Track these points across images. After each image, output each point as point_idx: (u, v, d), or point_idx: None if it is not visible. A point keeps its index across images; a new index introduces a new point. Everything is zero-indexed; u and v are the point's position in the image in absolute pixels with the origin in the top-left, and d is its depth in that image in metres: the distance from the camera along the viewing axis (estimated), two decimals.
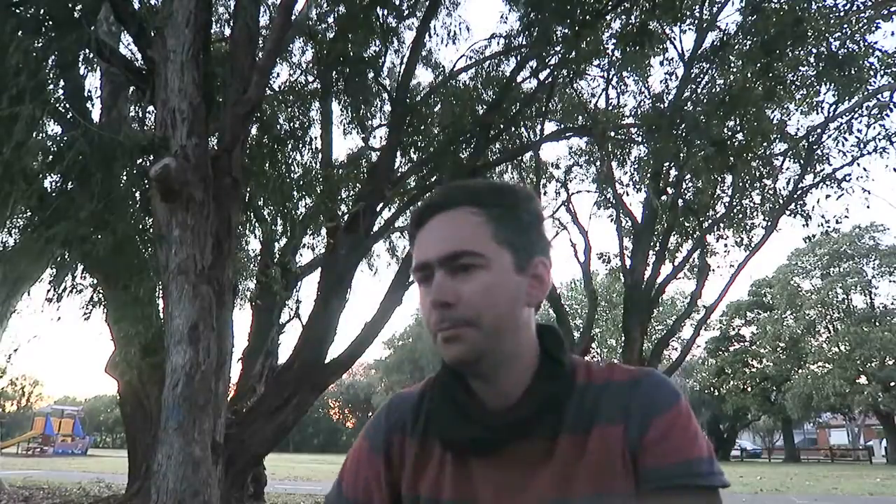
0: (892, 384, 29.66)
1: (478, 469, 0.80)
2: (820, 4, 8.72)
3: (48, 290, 6.44)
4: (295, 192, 8.10)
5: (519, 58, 9.48)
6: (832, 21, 8.87)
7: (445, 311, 0.76)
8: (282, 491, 10.55)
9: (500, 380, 0.80)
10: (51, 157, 5.43)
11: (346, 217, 8.15)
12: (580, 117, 11.03)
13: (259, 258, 9.45)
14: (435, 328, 0.78)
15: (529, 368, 0.81)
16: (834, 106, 10.15)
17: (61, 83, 6.13)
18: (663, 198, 10.79)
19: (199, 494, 4.17)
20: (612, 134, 10.70)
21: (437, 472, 0.82)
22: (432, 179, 9.25)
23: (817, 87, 9.75)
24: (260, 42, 6.45)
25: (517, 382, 0.80)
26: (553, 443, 0.78)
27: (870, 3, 9.09)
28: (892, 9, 8.88)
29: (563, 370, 0.81)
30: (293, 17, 7.22)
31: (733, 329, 40.10)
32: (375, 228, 8.57)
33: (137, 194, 6.23)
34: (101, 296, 6.97)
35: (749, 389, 36.72)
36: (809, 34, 8.55)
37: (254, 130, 7.40)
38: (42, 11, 5.24)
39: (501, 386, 0.80)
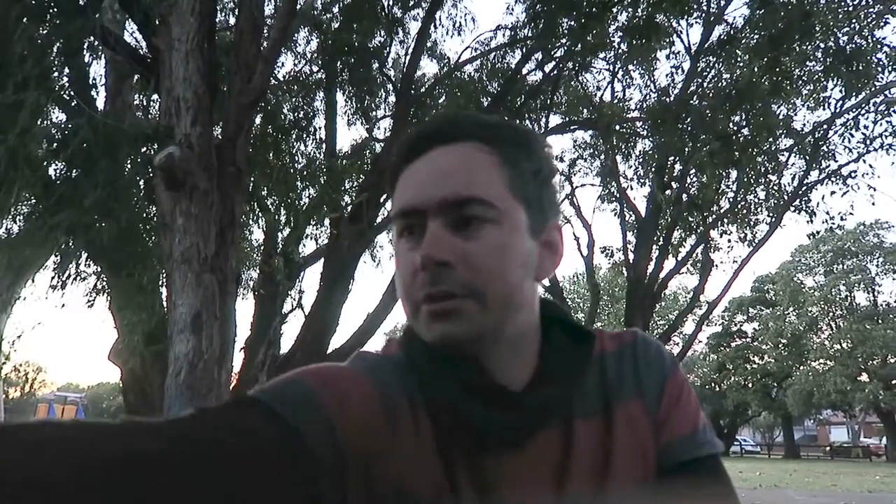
0: (894, 382, 29.67)
1: (492, 463, 0.62)
2: None
3: (52, 278, 6.48)
4: (298, 183, 8.10)
5: (524, 50, 9.44)
6: (840, 16, 8.81)
7: (440, 273, 0.58)
8: None
9: (495, 365, 0.64)
10: (55, 144, 5.44)
11: (349, 208, 8.16)
12: (585, 110, 11.00)
13: (262, 248, 9.46)
14: (419, 293, 0.60)
15: (533, 350, 0.67)
16: (841, 102, 10.11)
17: (66, 71, 6.13)
18: (667, 192, 10.77)
19: None
20: (617, 127, 10.67)
21: (443, 461, 0.62)
22: None
23: (824, 83, 9.69)
24: (265, 31, 6.44)
25: (520, 369, 0.65)
26: (568, 430, 0.65)
27: None
28: None
29: (589, 346, 0.69)
30: (298, 7, 7.20)
31: (735, 325, 40.12)
32: (379, 219, 8.57)
33: (141, 182, 6.24)
34: (104, 283, 6.99)
35: (750, 385, 36.76)
36: (817, 29, 8.49)
37: (258, 120, 7.39)
38: None
39: (498, 374, 0.64)
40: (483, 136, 0.63)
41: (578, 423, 0.65)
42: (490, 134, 0.63)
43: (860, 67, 8.76)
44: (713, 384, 38.85)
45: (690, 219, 11.31)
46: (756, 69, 8.90)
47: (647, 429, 0.66)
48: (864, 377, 30.70)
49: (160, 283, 6.39)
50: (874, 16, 9.13)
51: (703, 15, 10.12)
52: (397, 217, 0.64)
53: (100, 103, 7.12)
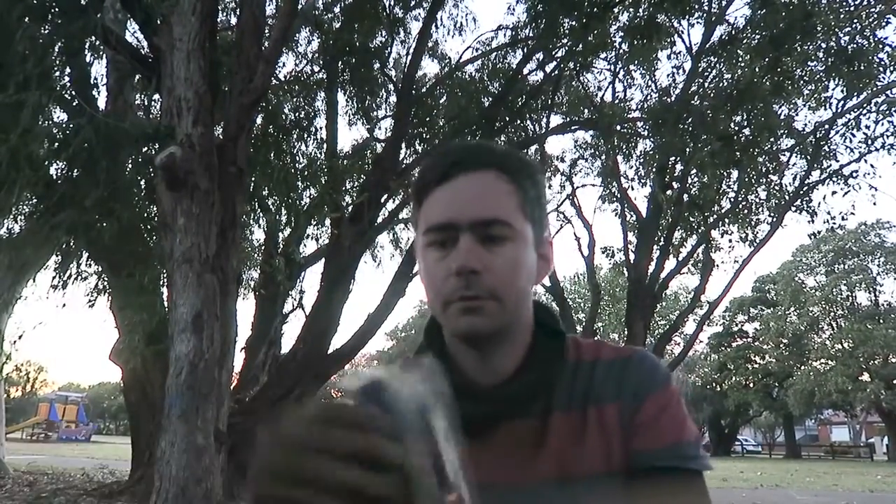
0: (895, 381, 29.64)
1: (472, 447, 0.73)
2: None
3: (53, 277, 6.49)
4: (299, 183, 8.10)
5: (525, 50, 9.44)
6: (842, 16, 8.81)
7: (471, 279, 0.72)
8: None
9: (497, 357, 0.77)
10: (57, 144, 5.44)
11: (350, 208, 8.16)
12: (586, 110, 11.00)
13: (263, 248, 9.47)
14: (453, 296, 0.73)
15: (524, 346, 0.79)
16: (842, 102, 10.10)
17: (67, 70, 6.14)
18: (668, 192, 10.76)
19: (201, 482, 4.20)
20: (618, 128, 10.66)
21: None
22: None
23: (825, 83, 9.69)
24: (266, 31, 6.44)
25: (512, 360, 0.78)
26: (545, 422, 0.76)
27: None
28: None
29: (560, 345, 0.80)
30: (299, 7, 7.20)
31: (736, 325, 40.05)
32: (379, 220, 8.58)
33: (143, 182, 6.25)
34: (105, 283, 7.00)
35: (751, 385, 36.71)
36: (818, 29, 8.49)
37: (259, 120, 7.39)
38: None
39: (496, 363, 0.77)
40: (500, 166, 0.76)
41: (556, 416, 0.76)
42: (505, 164, 0.77)
43: (861, 67, 8.75)
44: (714, 384, 38.77)
45: (691, 219, 11.31)
46: (757, 69, 8.89)
47: (618, 431, 0.75)
48: (866, 377, 30.60)
49: (161, 282, 6.39)
50: (875, 16, 9.13)
51: (705, 15, 10.12)
52: (433, 230, 0.75)
53: (101, 103, 7.13)
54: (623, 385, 0.76)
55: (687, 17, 9.62)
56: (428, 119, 9.54)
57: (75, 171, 5.59)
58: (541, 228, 0.79)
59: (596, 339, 0.85)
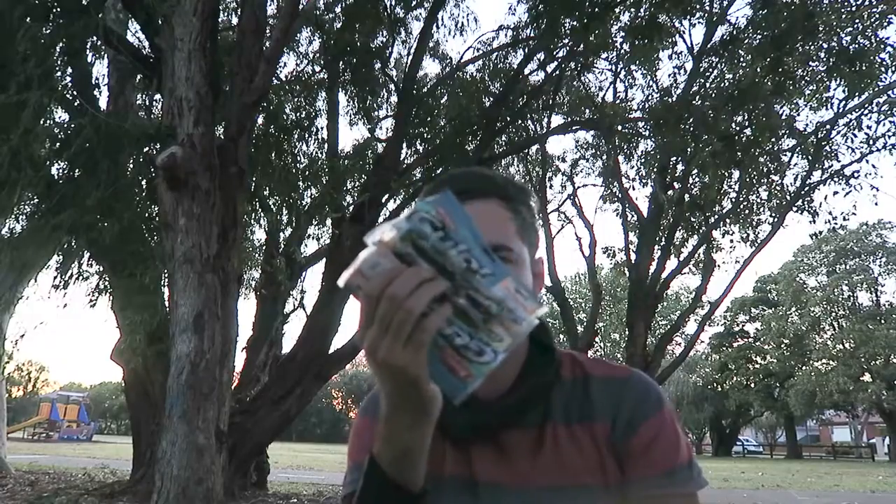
0: None
1: (476, 452, 0.82)
2: None
3: (55, 277, 6.50)
4: (300, 183, 8.11)
5: (526, 50, 9.44)
6: (843, 16, 8.80)
7: None
8: (284, 479, 10.61)
9: (497, 372, 0.80)
10: (58, 144, 5.45)
11: (351, 208, 8.16)
12: (587, 110, 10.99)
13: (264, 248, 9.47)
14: None
15: (520, 360, 0.84)
16: (843, 102, 10.09)
17: (69, 70, 6.14)
18: (669, 192, 10.76)
19: (202, 481, 4.20)
20: (620, 128, 10.66)
21: (438, 450, 0.82)
22: (438, 171, 9.25)
23: (827, 83, 9.68)
24: (267, 31, 6.45)
25: (509, 374, 0.83)
26: (542, 431, 0.81)
27: None
28: None
29: (552, 360, 0.85)
30: (301, 7, 7.20)
31: (737, 325, 40.10)
32: (381, 220, 8.56)
33: (144, 182, 6.25)
34: (107, 283, 7.00)
35: (752, 385, 36.70)
36: (820, 29, 8.48)
37: (260, 120, 7.40)
38: None
39: (496, 378, 0.79)
40: (501, 194, 0.83)
41: (554, 427, 0.81)
42: (505, 193, 0.84)
43: (863, 67, 8.73)
44: (715, 384, 38.77)
45: (692, 219, 11.30)
46: (759, 69, 8.89)
47: (609, 450, 0.80)
48: (867, 377, 30.61)
49: (162, 282, 6.39)
50: (877, 16, 9.11)
51: (706, 15, 10.11)
52: None
53: (102, 103, 7.13)
54: (619, 407, 0.81)
55: (688, 16, 9.62)
56: (429, 119, 9.53)
57: (76, 171, 5.59)
58: (534, 249, 0.86)
59: (594, 357, 0.90)
